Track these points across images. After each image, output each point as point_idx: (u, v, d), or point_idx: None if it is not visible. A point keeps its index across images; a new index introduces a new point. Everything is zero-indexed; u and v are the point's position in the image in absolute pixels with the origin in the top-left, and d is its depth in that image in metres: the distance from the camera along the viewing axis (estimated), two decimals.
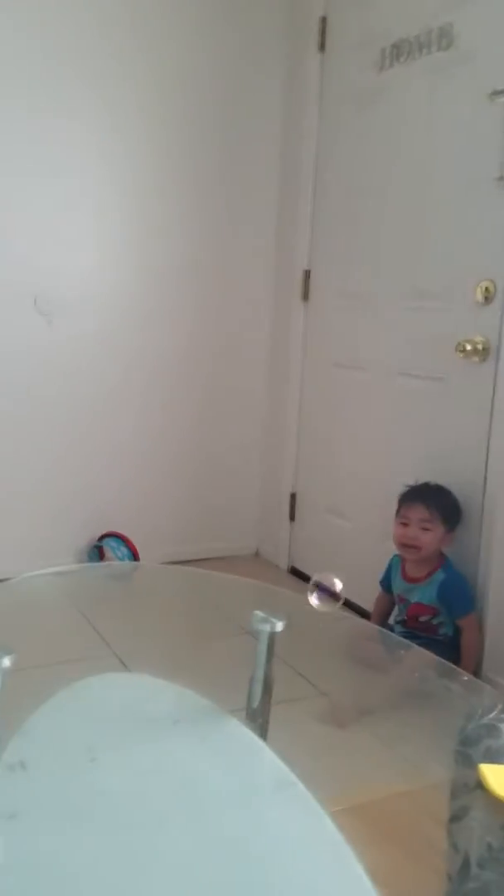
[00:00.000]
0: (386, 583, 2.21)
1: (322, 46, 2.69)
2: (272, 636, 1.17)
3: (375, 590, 2.27)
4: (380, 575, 2.26)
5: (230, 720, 0.98)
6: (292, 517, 2.98)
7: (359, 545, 2.59)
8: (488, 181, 2.03)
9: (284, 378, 2.96)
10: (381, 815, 1.56)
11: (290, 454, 2.97)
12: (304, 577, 2.91)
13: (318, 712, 1.87)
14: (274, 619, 1.17)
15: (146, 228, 2.74)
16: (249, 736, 0.95)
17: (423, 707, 1.84)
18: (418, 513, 2.04)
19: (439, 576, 2.04)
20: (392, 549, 2.24)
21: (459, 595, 2.02)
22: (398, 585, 2.14)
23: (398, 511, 2.11)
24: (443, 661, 1.48)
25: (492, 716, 1.09)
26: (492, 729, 1.06)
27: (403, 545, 2.07)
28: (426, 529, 2.03)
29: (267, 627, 1.17)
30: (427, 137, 2.25)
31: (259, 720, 1.17)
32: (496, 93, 1.99)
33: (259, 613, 1.18)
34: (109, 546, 2.71)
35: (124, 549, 2.71)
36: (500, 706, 1.12)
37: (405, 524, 2.06)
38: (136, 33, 2.60)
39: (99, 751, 0.84)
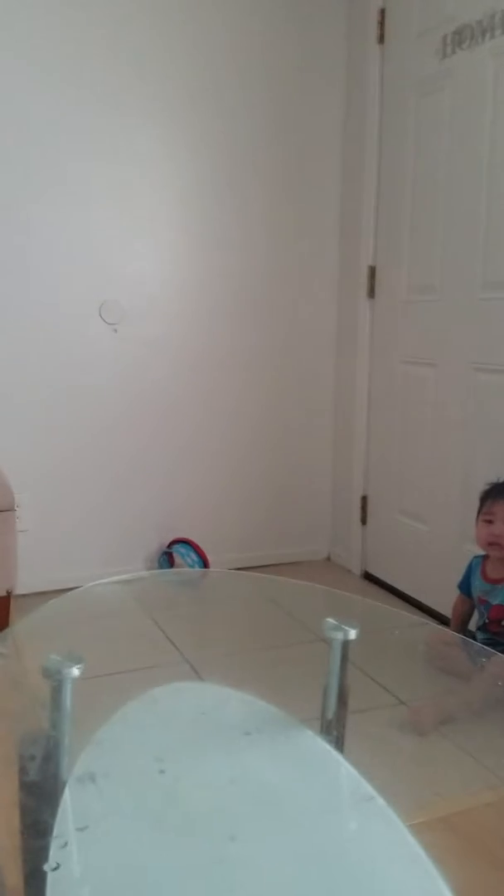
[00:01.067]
0: (465, 586, 2.13)
1: (381, 38, 2.63)
2: (346, 644, 1.13)
3: (454, 595, 2.19)
4: (458, 579, 2.18)
5: (304, 731, 0.94)
6: (364, 521, 2.92)
7: (436, 548, 2.52)
8: None
9: (352, 378, 2.91)
10: (465, 827, 1.50)
11: (359, 456, 2.91)
12: (378, 582, 2.85)
13: (396, 721, 1.82)
14: (347, 627, 1.13)
15: (208, 230, 2.74)
16: (325, 748, 0.91)
17: None
18: None
19: None
20: (471, 552, 2.17)
21: None
22: (478, 587, 2.06)
23: (480, 509, 2.04)
24: None
25: None
26: None
27: (488, 543, 1.99)
28: None
29: (340, 635, 1.12)
30: (495, 122, 2.17)
31: (334, 732, 1.13)
32: None
33: (331, 621, 1.14)
34: (179, 552, 2.71)
35: (194, 556, 2.70)
36: None
37: (490, 521, 1.98)
38: (194, 34, 2.60)
39: (168, 762, 0.81)
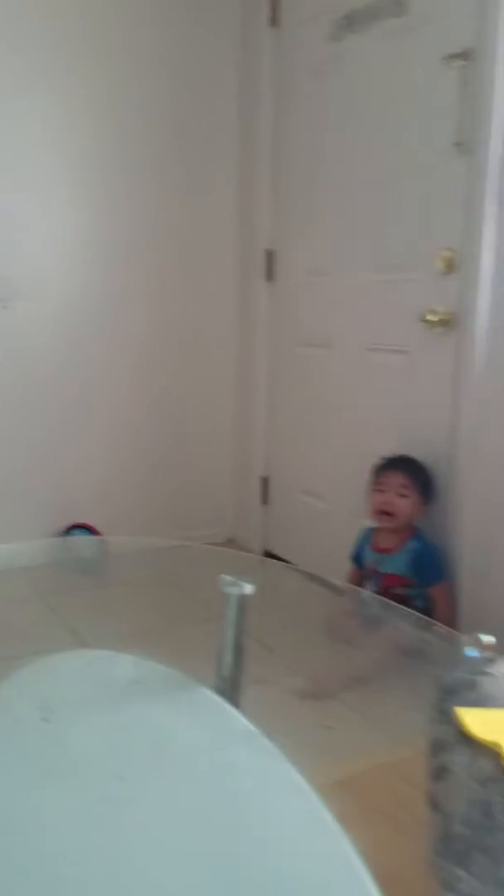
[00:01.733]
0: (357, 558, 2.19)
1: (274, 22, 2.65)
2: (241, 599, 1.13)
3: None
4: (350, 550, 2.23)
5: (192, 683, 0.94)
6: (265, 500, 2.95)
7: (335, 524, 2.56)
8: (446, 147, 2.01)
9: (251, 360, 2.92)
10: (364, 788, 1.53)
11: (259, 437, 2.93)
12: (279, 561, 2.87)
13: (296, 690, 1.84)
14: (242, 582, 1.14)
15: (103, 210, 2.69)
16: (210, 695, 0.92)
17: (402, 674, 1.81)
18: (396, 479, 2.03)
19: (411, 545, 2.03)
20: (366, 525, 2.22)
21: (431, 563, 2.01)
22: (369, 557, 2.12)
23: (374, 480, 2.09)
24: (420, 615, 1.45)
25: (468, 669, 1.06)
26: (469, 682, 1.03)
27: (379, 512, 2.04)
28: (403, 496, 2.02)
29: (235, 590, 1.13)
30: (384, 106, 2.23)
31: (229, 687, 1.13)
32: (450, 57, 1.97)
33: (227, 577, 1.15)
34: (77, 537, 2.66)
35: None
36: (478, 659, 1.09)
37: (381, 491, 2.04)
38: (85, 12, 2.54)
39: (54, 712, 0.79)
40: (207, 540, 3.04)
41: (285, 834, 0.67)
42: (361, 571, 2.18)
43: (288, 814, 0.70)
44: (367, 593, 2.05)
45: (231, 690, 1.10)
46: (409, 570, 2.01)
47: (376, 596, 2.00)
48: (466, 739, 0.92)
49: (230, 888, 0.60)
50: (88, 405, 2.76)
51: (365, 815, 1.42)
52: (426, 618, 1.59)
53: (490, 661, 1.09)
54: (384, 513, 2.03)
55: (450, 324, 2.05)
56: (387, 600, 1.82)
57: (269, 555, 2.94)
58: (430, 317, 2.06)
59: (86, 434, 2.77)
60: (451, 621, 2.00)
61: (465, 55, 1.93)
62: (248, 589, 1.12)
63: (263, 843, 0.66)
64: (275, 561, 2.85)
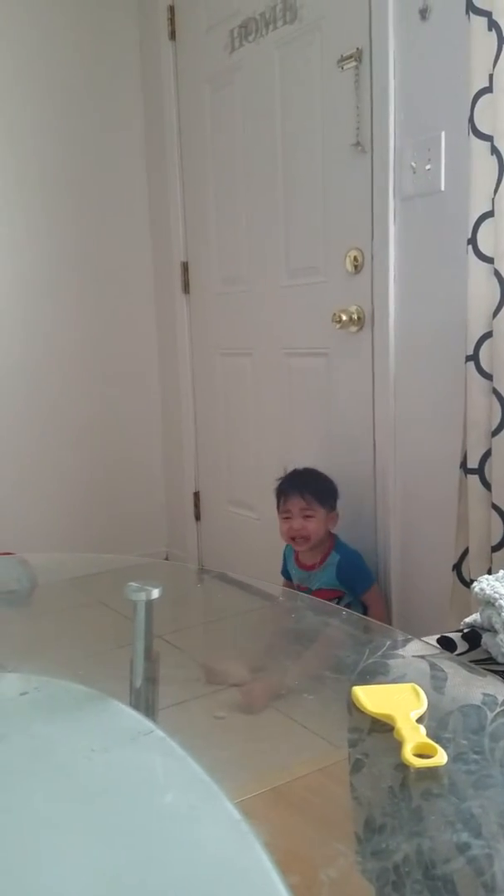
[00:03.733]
0: (286, 573, 2.16)
1: (173, 35, 2.66)
2: (149, 605, 1.09)
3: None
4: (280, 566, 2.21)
5: (87, 691, 0.90)
6: (197, 516, 2.90)
7: (268, 534, 2.53)
8: (346, 148, 2.03)
9: (174, 375, 2.89)
10: (295, 793, 1.49)
11: (189, 452, 2.89)
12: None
13: (231, 704, 1.79)
14: (149, 587, 1.10)
15: (15, 230, 2.64)
16: (105, 700, 0.87)
17: (337, 675, 1.78)
18: (297, 503, 2.00)
19: (334, 558, 2.01)
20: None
21: (358, 571, 1.99)
22: (295, 574, 2.10)
23: (278, 506, 2.07)
24: (336, 606, 1.42)
25: (380, 653, 1.03)
26: (381, 666, 1.01)
27: (291, 538, 2.03)
28: (309, 517, 1.99)
29: (142, 596, 1.09)
30: (284, 112, 2.24)
31: (143, 697, 1.08)
32: (343, 59, 2.00)
33: (133, 584, 1.11)
34: None
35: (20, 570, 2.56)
36: (388, 643, 1.07)
37: (288, 517, 2.02)
38: None
39: None
40: (144, 561, 2.98)
41: (179, 818, 0.65)
42: (293, 586, 2.15)
43: (185, 805, 0.67)
44: (303, 596, 2.01)
45: (146, 700, 1.05)
46: (338, 582, 1.99)
47: (312, 598, 1.97)
48: (375, 726, 0.89)
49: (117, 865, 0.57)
50: (16, 431, 2.68)
51: (290, 815, 1.37)
52: (362, 616, 1.57)
53: (403, 641, 1.07)
54: (295, 538, 2.01)
55: (363, 322, 2.06)
56: (322, 601, 1.79)
57: (205, 571, 2.90)
58: (343, 317, 2.06)
59: (9, 457, 2.69)
60: (385, 620, 1.99)
61: (357, 56, 1.95)
62: (156, 593, 1.08)
63: (158, 828, 0.63)
64: (209, 570, 2.81)
